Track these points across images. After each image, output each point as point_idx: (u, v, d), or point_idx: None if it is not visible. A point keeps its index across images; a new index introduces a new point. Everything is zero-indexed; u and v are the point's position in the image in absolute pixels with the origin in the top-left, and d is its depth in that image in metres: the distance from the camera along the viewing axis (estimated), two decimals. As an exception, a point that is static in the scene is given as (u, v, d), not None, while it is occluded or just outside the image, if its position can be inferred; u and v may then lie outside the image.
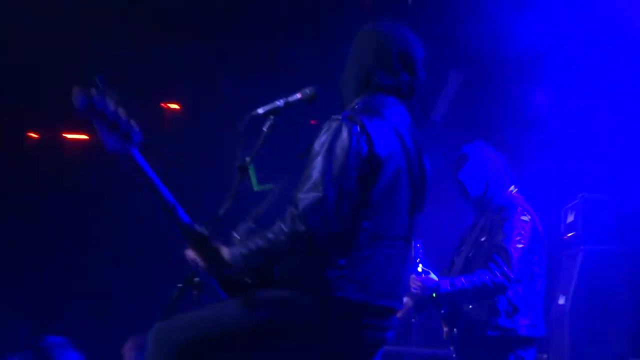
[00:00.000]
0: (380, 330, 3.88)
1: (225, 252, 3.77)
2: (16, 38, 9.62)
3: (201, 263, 3.81)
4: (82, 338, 8.81)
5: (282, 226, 3.63)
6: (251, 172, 3.97)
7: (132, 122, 3.81)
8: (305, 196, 3.64)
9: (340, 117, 3.81)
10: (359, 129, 3.77)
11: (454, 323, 6.10)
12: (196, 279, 3.88)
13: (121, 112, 3.78)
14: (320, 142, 3.76)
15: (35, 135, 12.37)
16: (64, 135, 12.34)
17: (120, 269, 10.69)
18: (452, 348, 6.20)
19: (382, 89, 3.98)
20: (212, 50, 10.13)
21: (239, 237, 3.93)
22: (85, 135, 12.27)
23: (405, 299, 6.02)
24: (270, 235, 3.65)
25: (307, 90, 4.06)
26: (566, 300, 7.62)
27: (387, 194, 3.85)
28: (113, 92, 3.76)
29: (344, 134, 3.75)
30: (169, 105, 12.42)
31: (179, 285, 3.84)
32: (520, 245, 5.80)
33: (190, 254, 3.83)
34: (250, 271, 3.86)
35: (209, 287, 3.95)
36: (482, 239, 5.98)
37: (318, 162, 3.72)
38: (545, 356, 7.79)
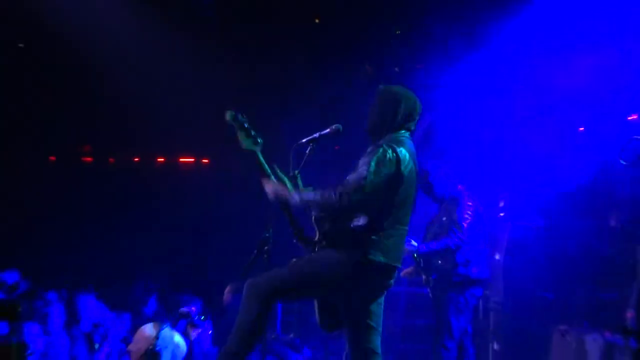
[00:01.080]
0: (390, 280, 3.99)
1: (291, 192, 3.94)
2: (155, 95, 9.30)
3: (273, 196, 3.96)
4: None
5: (333, 194, 3.79)
6: (298, 180, 4.12)
7: (258, 134, 4.03)
8: (353, 182, 3.80)
9: (381, 144, 3.90)
10: (392, 152, 3.85)
11: (429, 272, 6.20)
12: (266, 248, 4.06)
13: (252, 126, 4.03)
14: (368, 155, 3.89)
15: (162, 159, 12.25)
16: (180, 159, 12.21)
17: (219, 244, 10.45)
18: (428, 289, 6.32)
19: (404, 129, 4.05)
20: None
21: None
22: (192, 158, 12.12)
23: (409, 269, 6.32)
24: (325, 195, 3.82)
25: (334, 127, 4.14)
26: (500, 256, 7.88)
27: (405, 196, 3.92)
28: (247, 116, 4.04)
29: (382, 153, 3.85)
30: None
31: (254, 251, 4.05)
32: (469, 220, 5.97)
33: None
34: (304, 209, 3.97)
35: (275, 253, 4.09)
36: (444, 219, 6.11)
37: (364, 166, 3.82)
38: (487, 292, 7.91)
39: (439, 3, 7.88)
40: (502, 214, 8.09)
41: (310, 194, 3.94)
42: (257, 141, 4.03)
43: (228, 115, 3.99)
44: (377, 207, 3.89)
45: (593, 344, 6.23)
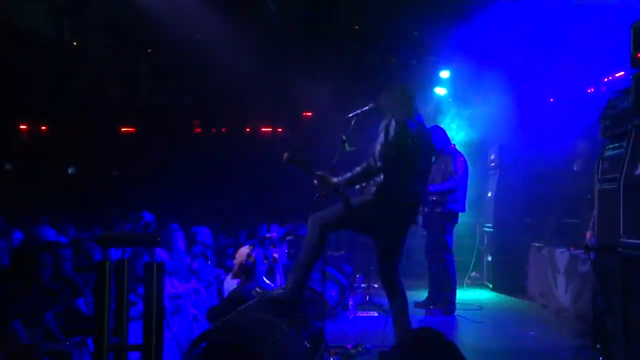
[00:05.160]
0: (412, 215, 3.90)
1: (334, 180, 3.76)
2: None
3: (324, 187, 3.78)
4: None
5: (372, 163, 3.71)
6: (347, 142, 3.90)
7: (310, 164, 3.79)
8: (384, 151, 3.69)
9: (399, 120, 3.73)
10: (405, 125, 3.74)
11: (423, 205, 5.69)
12: (323, 193, 3.89)
13: (304, 160, 3.79)
14: (390, 127, 3.72)
15: (248, 130, 12.18)
16: (261, 128, 12.14)
17: (291, 190, 9.51)
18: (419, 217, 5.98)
19: (412, 110, 3.86)
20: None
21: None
22: (270, 128, 12.12)
23: None
24: (365, 167, 3.74)
25: (370, 105, 3.92)
26: (492, 194, 7.58)
27: (414, 153, 3.80)
28: (297, 151, 3.83)
29: (400, 127, 3.73)
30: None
31: (316, 194, 3.86)
32: (460, 170, 5.82)
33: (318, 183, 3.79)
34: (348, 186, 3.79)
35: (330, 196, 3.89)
36: (442, 166, 5.82)
37: (394, 137, 3.69)
38: (482, 219, 7.93)
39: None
40: (492, 164, 7.80)
41: (350, 175, 3.77)
42: (310, 169, 3.80)
43: (285, 158, 3.73)
44: (397, 163, 3.75)
45: (561, 255, 6.07)
